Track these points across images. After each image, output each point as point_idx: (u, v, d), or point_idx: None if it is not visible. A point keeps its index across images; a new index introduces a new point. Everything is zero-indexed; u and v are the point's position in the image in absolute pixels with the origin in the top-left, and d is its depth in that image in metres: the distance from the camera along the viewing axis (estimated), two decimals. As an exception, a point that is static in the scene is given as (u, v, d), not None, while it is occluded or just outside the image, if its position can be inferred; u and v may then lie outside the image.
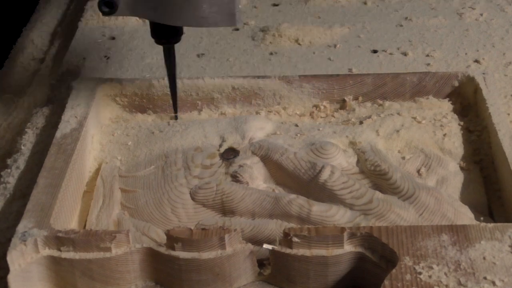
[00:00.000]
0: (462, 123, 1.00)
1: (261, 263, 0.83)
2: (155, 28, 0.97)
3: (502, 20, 1.30)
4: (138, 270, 0.82)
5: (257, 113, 1.06)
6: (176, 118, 1.04)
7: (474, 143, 0.98)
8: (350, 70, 1.17)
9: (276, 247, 0.80)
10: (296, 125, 1.02)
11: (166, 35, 0.98)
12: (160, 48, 1.25)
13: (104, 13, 0.92)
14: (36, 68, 1.25)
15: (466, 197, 0.92)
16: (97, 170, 0.97)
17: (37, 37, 1.34)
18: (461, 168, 0.95)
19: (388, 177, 0.92)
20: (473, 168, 0.95)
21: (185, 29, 0.97)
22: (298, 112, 1.06)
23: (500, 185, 0.92)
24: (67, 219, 0.88)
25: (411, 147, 0.97)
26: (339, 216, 0.88)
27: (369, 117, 1.01)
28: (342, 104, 1.06)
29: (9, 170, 0.97)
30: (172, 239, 0.79)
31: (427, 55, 1.20)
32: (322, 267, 0.79)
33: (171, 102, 1.04)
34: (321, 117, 1.05)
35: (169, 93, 1.05)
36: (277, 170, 0.95)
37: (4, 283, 0.79)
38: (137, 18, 1.34)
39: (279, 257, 0.80)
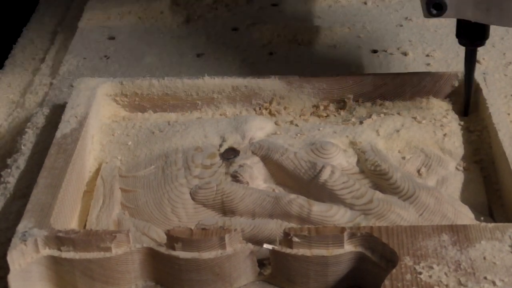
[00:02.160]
0: (462, 123, 1.00)
1: (261, 263, 0.83)
2: (468, 30, 0.94)
3: (502, 20, 1.30)
4: (138, 270, 0.82)
5: (257, 113, 1.06)
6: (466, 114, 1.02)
7: (474, 143, 0.98)
8: (350, 70, 1.17)
9: (276, 247, 0.80)
10: (296, 125, 1.02)
11: (477, 37, 0.96)
12: (158, 48, 1.25)
13: (432, 15, 0.91)
14: (36, 68, 1.25)
15: (466, 197, 0.92)
16: (97, 170, 0.97)
17: (37, 37, 1.34)
18: (461, 168, 0.95)
19: (388, 177, 0.92)
20: (473, 168, 0.95)
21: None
22: (298, 112, 1.06)
23: (500, 185, 0.92)
24: (67, 219, 0.88)
25: (411, 147, 0.97)
26: (339, 216, 0.88)
27: (369, 117, 1.01)
28: (342, 104, 1.06)
29: (9, 170, 0.97)
30: (172, 239, 0.79)
31: (427, 55, 1.20)
32: (322, 267, 0.79)
33: (173, 101, 1.04)
34: (321, 117, 1.05)
35: (169, 92, 1.05)
36: (277, 170, 0.95)
37: (4, 283, 0.79)
38: (138, 18, 1.34)
39: (279, 257, 0.80)
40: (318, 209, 0.89)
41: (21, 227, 0.81)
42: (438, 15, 0.91)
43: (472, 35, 0.96)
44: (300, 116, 1.05)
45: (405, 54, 1.21)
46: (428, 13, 0.92)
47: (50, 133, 1.01)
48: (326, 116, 1.05)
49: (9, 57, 1.29)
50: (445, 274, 0.75)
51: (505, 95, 1.09)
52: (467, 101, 1.02)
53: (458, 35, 0.96)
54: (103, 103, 1.05)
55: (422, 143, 0.97)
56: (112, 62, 1.23)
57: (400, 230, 0.79)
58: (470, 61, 0.98)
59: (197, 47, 1.26)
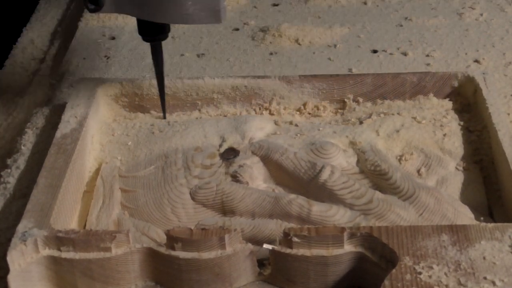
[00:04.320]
0: (462, 123, 1.00)
1: (261, 263, 0.83)
2: (141, 26, 0.97)
3: (502, 20, 1.30)
4: (138, 270, 0.82)
5: (257, 113, 1.06)
6: (164, 117, 1.04)
7: (474, 143, 0.98)
8: (350, 70, 1.17)
9: (276, 247, 0.80)
10: (296, 125, 1.02)
11: (153, 32, 0.98)
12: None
13: (90, 10, 0.92)
14: (36, 68, 1.25)
15: (466, 197, 0.92)
16: (97, 170, 0.97)
17: (37, 37, 1.34)
18: (461, 168, 0.95)
19: (388, 177, 0.92)
20: (473, 168, 0.95)
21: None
22: (298, 112, 1.06)
23: (500, 185, 0.92)
24: (67, 219, 0.88)
25: (411, 147, 0.97)
26: (339, 216, 0.88)
27: (369, 117, 1.01)
28: (342, 104, 1.06)
29: (9, 170, 0.97)
30: (172, 239, 0.79)
31: (427, 55, 1.20)
32: (322, 267, 0.79)
33: (173, 101, 1.04)
34: (321, 117, 1.05)
35: (169, 92, 1.05)
36: (277, 170, 0.95)
37: (4, 283, 0.79)
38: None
39: (279, 257, 0.80)
40: (318, 209, 0.89)
41: (21, 227, 0.81)
42: (96, 10, 0.92)
43: (152, 31, 0.97)
44: (299, 116, 1.05)
45: (405, 54, 1.21)
46: (86, 8, 0.92)
47: (50, 133, 1.01)
48: (326, 116, 1.05)
49: (9, 57, 1.29)
50: (445, 274, 0.75)
51: (505, 95, 1.09)
52: (163, 98, 1.03)
53: (140, 32, 0.98)
54: (103, 103, 1.05)
55: (422, 143, 0.97)
56: (112, 62, 1.23)
57: (400, 230, 0.79)
58: (157, 56, 1.00)
59: (197, 47, 1.26)
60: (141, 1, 0.91)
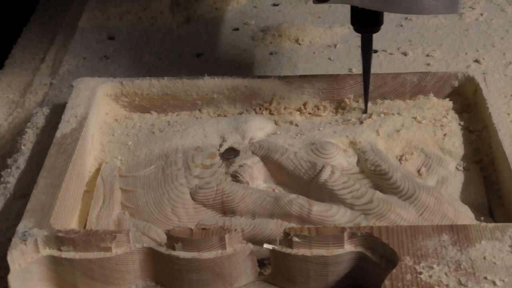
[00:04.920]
0: (462, 123, 1.00)
1: (261, 263, 0.83)
2: (360, 16, 0.94)
3: (502, 20, 1.30)
4: (138, 270, 0.82)
5: (257, 113, 1.06)
6: (365, 111, 1.02)
7: (474, 143, 0.98)
8: (350, 70, 1.17)
9: (277, 247, 0.80)
10: (296, 125, 1.02)
11: (370, 23, 0.95)
12: (158, 48, 1.25)
13: (318, 1, 0.90)
14: (36, 68, 1.25)
15: (466, 197, 0.92)
16: (97, 170, 0.97)
17: (37, 37, 1.34)
18: (461, 168, 0.95)
19: (388, 177, 0.92)
20: (473, 168, 0.95)
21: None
22: (297, 112, 1.06)
23: (500, 185, 0.92)
24: (67, 219, 0.88)
25: (411, 147, 0.97)
26: (339, 216, 0.88)
27: (369, 117, 1.01)
28: (342, 104, 1.06)
29: (9, 170, 0.97)
30: (172, 239, 0.79)
31: (427, 55, 1.20)
32: (322, 267, 0.79)
33: (173, 101, 1.04)
34: (321, 117, 1.05)
35: (169, 92, 1.05)
36: (277, 170, 0.95)
37: (4, 283, 0.79)
38: (138, 18, 1.34)
39: (279, 257, 0.80)
40: (318, 209, 0.89)
41: (21, 227, 0.81)
42: (325, 0, 0.90)
43: (365, 22, 0.95)
44: (299, 116, 1.05)
45: (405, 54, 1.21)
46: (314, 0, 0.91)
47: (50, 133, 1.01)
48: (326, 116, 1.05)
49: (9, 57, 1.29)
50: (445, 274, 0.75)
51: (505, 95, 1.09)
52: (366, 91, 1.02)
53: (352, 22, 0.96)
54: (103, 103, 1.05)
55: (422, 143, 0.97)
56: (112, 62, 1.23)
57: (400, 230, 0.79)
58: (366, 48, 0.98)
59: (197, 47, 1.26)
60: None
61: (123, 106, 1.07)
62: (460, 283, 0.74)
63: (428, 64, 1.18)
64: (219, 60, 1.22)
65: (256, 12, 1.37)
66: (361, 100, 1.05)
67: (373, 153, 0.95)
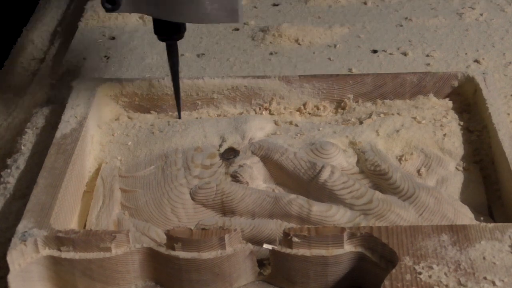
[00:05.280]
0: (462, 123, 1.00)
1: (261, 263, 0.83)
2: (157, 25, 0.97)
3: (502, 20, 1.30)
4: (138, 270, 0.82)
5: (257, 113, 1.06)
6: (179, 117, 1.04)
7: (474, 143, 0.98)
8: (350, 70, 1.17)
9: (276, 247, 0.80)
10: (296, 125, 1.02)
11: (169, 32, 0.97)
12: (160, 48, 1.25)
13: (107, 10, 0.91)
14: (36, 68, 1.25)
15: (466, 197, 0.92)
16: (97, 170, 0.97)
17: (37, 37, 1.34)
18: (461, 168, 0.95)
19: (388, 177, 0.92)
20: (473, 168, 0.95)
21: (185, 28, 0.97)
22: (297, 112, 1.06)
23: (500, 185, 0.92)
24: (67, 219, 0.88)
25: (411, 147, 0.97)
26: (339, 216, 0.88)
27: (369, 117, 1.01)
28: (342, 104, 1.06)
29: (9, 170, 0.97)
30: (172, 239, 0.79)
31: (427, 55, 1.20)
32: (322, 267, 0.79)
33: (173, 101, 1.04)
34: (321, 117, 1.05)
35: (169, 92, 1.05)
36: (277, 170, 0.95)
37: (4, 283, 0.79)
38: (138, 18, 1.34)
39: (279, 257, 0.80)
40: (318, 209, 0.89)
41: (21, 227, 0.81)
42: (113, 9, 0.91)
43: (168, 30, 0.97)
44: (299, 116, 1.05)
45: (405, 54, 1.21)
46: (104, 8, 0.92)
47: (50, 133, 1.01)
48: (326, 116, 1.05)
49: (9, 57, 1.29)
50: (445, 274, 0.75)
51: (505, 95, 1.09)
52: (178, 97, 1.03)
53: (156, 32, 0.97)
54: (103, 103, 1.05)
55: (422, 143, 0.97)
56: (112, 62, 1.23)
57: (400, 230, 0.79)
58: (172, 56, 1.00)
59: (197, 47, 1.26)
60: (159, 0, 0.91)
61: (123, 106, 1.07)
62: (459, 283, 0.74)
63: (428, 64, 1.18)
64: (219, 60, 1.22)
65: (256, 12, 1.36)
66: (361, 100, 1.05)
67: (372, 153, 0.95)
